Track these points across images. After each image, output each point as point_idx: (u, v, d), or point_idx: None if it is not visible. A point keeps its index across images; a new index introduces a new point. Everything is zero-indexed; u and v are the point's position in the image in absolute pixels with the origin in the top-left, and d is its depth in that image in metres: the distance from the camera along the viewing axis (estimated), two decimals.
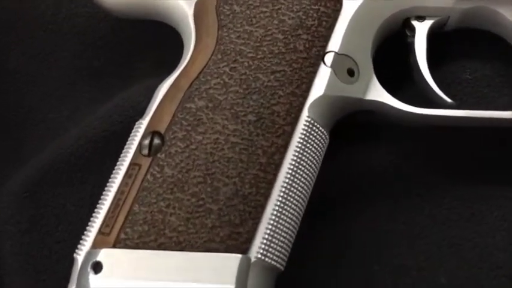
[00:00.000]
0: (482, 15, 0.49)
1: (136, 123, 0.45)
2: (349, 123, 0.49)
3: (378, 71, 0.49)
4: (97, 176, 0.52)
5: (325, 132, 0.45)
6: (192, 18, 0.47)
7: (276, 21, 0.45)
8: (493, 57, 0.52)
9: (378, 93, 0.47)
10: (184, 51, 0.48)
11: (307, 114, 0.43)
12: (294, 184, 0.42)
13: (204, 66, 0.44)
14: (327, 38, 0.45)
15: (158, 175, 0.41)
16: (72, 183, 0.52)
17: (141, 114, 0.47)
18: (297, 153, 0.42)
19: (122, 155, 0.44)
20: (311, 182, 0.44)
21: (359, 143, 0.52)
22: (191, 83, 0.43)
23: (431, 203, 0.50)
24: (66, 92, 0.56)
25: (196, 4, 0.47)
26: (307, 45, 0.44)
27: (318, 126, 0.44)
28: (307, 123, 0.43)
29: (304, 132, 0.43)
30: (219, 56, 0.44)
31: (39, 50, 0.57)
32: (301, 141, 0.43)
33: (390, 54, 0.50)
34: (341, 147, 0.50)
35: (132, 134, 0.45)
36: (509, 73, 0.51)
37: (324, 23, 0.45)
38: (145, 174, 0.41)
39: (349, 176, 0.51)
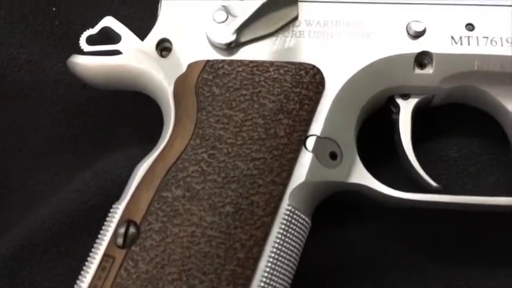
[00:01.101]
0: (468, 93, 0.48)
1: (113, 206, 0.44)
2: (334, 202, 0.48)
3: (362, 148, 0.47)
4: (74, 251, 0.50)
5: (306, 218, 0.43)
6: (172, 95, 0.46)
7: (256, 105, 0.43)
8: (481, 133, 0.50)
9: (362, 176, 0.45)
10: (164, 128, 0.46)
11: (287, 203, 0.42)
12: (273, 277, 0.40)
13: (182, 152, 0.42)
14: (308, 122, 0.43)
15: (132, 270, 0.39)
16: (48, 259, 0.50)
17: (119, 187, 0.46)
18: (276, 245, 0.41)
19: (97, 240, 0.42)
20: (292, 271, 0.42)
21: (344, 222, 0.50)
22: (168, 169, 0.42)
23: (418, 284, 0.49)
24: (45, 160, 0.54)
25: (176, 82, 0.46)
26: (288, 131, 0.43)
27: (299, 214, 0.42)
28: (288, 212, 0.42)
29: (285, 222, 0.41)
30: (198, 141, 0.42)
31: (18, 117, 0.56)
32: (282, 231, 0.41)
33: (375, 130, 0.49)
34: (325, 226, 0.49)
35: (108, 218, 0.43)
36: (497, 151, 0.49)
37: (306, 106, 0.43)
38: (119, 269, 0.39)
39: (333, 256, 0.50)
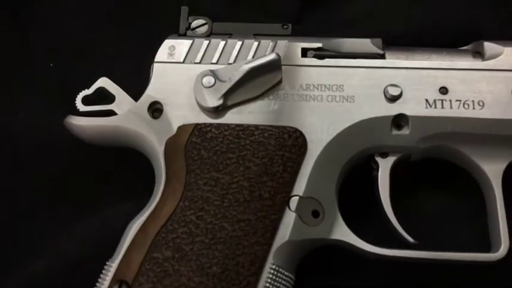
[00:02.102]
0: (444, 152, 0.50)
1: (107, 263, 0.46)
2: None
3: (345, 203, 0.49)
4: None
5: (290, 275, 0.45)
6: (163, 156, 0.48)
7: (242, 168, 0.45)
8: (458, 188, 0.52)
9: (342, 233, 0.47)
10: (156, 186, 0.48)
11: (272, 262, 0.44)
12: None
13: (172, 213, 0.44)
14: (291, 183, 0.45)
15: None
16: None
17: (114, 241, 0.47)
18: None
19: None
20: None
21: (328, 272, 0.52)
22: (159, 230, 0.44)
23: None
24: (41, 212, 0.55)
25: (166, 143, 0.48)
26: (272, 192, 0.45)
27: (283, 271, 0.44)
28: (272, 271, 0.43)
29: (269, 280, 0.43)
30: (187, 203, 0.44)
31: (14, 168, 0.57)
32: None
33: (357, 186, 0.51)
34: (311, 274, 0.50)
35: (101, 275, 0.45)
36: (472, 206, 0.51)
37: (289, 168, 0.45)
38: None
39: None
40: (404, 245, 0.48)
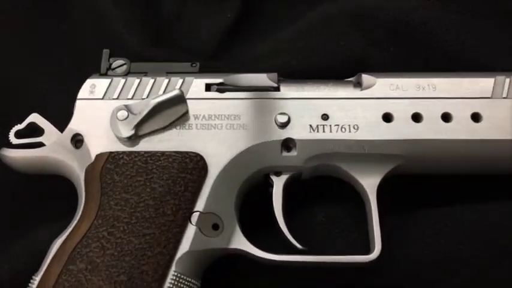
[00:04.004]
0: (329, 169, 0.56)
1: (33, 277, 0.50)
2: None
3: (246, 217, 0.55)
4: None
5: (193, 280, 0.50)
6: (83, 181, 0.53)
7: (148, 189, 0.51)
8: (345, 200, 0.58)
9: (240, 242, 0.52)
10: (77, 208, 0.53)
11: (174, 270, 0.49)
12: None
13: (87, 230, 0.49)
14: (193, 201, 0.51)
15: None
16: None
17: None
18: None
19: None
20: None
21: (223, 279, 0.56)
22: (75, 246, 0.49)
23: None
24: None
25: (86, 170, 0.53)
26: (174, 209, 0.50)
27: (185, 277, 0.50)
28: (174, 277, 0.49)
29: (171, 285, 0.49)
30: (100, 221, 0.50)
31: None
32: None
33: (257, 202, 0.56)
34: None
35: None
36: (357, 214, 0.56)
37: (190, 188, 0.51)
38: None
39: None
40: (295, 251, 0.54)
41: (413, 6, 0.66)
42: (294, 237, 0.55)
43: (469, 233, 0.57)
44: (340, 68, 0.62)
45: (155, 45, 0.67)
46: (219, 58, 0.68)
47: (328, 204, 0.59)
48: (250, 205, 0.57)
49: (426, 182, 0.59)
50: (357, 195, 0.57)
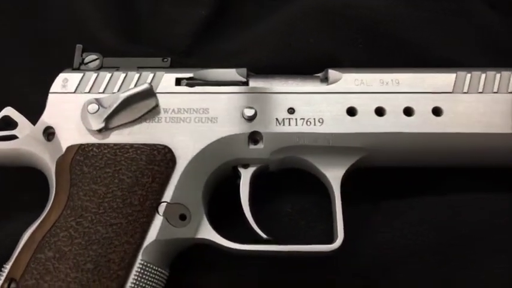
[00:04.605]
0: (295, 162, 0.57)
1: (4, 265, 0.51)
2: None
3: (216, 209, 0.56)
4: None
5: (160, 269, 0.51)
6: (54, 173, 0.54)
7: (116, 180, 0.52)
8: (311, 191, 0.59)
9: (207, 232, 0.53)
10: (48, 199, 0.54)
11: (141, 258, 0.50)
12: None
13: (56, 220, 0.50)
14: (160, 192, 0.52)
15: None
16: None
17: None
18: None
19: None
20: None
21: (193, 269, 0.58)
22: (44, 235, 0.50)
23: None
24: None
25: (57, 162, 0.54)
26: (141, 200, 0.51)
27: (152, 266, 0.51)
28: (141, 266, 0.50)
29: (138, 274, 0.50)
30: (69, 211, 0.51)
31: None
32: (135, 281, 0.49)
33: (227, 194, 0.57)
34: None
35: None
36: (323, 206, 0.58)
37: (158, 179, 0.52)
38: None
39: None
40: (261, 242, 0.55)
41: (381, 3, 0.67)
42: (261, 228, 0.56)
43: (432, 223, 0.58)
44: (309, 64, 0.63)
45: (130, 42, 0.68)
46: (193, 54, 0.69)
47: (295, 196, 0.60)
48: (220, 197, 0.58)
49: (390, 174, 0.60)
50: (323, 187, 0.58)
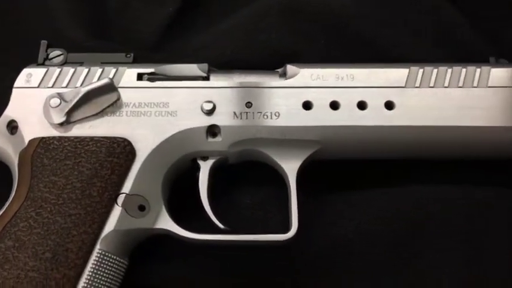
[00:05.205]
0: (253, 154, 0.58)
1: None
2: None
3: (175, 202, 0.57)
4: None
5: (119, 258, 0.53)
6: (17, 166, 0.55)
7: (76, 172, 0.53)
8: (270, 183, 0.60)
9: (165, 223, 0.55)
10: (11, 192, 0.55)
11: (99, 248, 0.52)
12: None
13: (17, 211, 0.52)
14: (119, 183, 0.54)
15: None
16: None
17: None
18: (88, 281, 0.50)
19: None
20: None
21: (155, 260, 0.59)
22: (5, 226, 0.51)
23: None
24: None
25: (19, 155, 0.55)
26: (100, 191, 0.53)
27: (111, 255, 0.52)
28: (99, 255, 0.51)
29: (96, 262, 0.51)
30: (29, 202, 0.52)
31: None
32: (93, 269, 0.51)
33: (188, 187, 0.58)
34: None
35: None
36: (281, 197, 0.59)
37: (117, 171, 0.54)
38: None
39: None
40: (219, 231, 0.56)
41: (343, 1, 0.69)
42: (222, 219, 0.57)
43: (388, 215, 0.60)
44: (271, 59, 0.65)
45: (99, 38, 0.70)
46: (160, 49, 0.70)
47: (255, 188, 0.61)
48: (182, 189, 0.59)
49: (350, 166, 0.61)
50: (281, 179, 0.60)
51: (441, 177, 0.62)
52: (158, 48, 0.70)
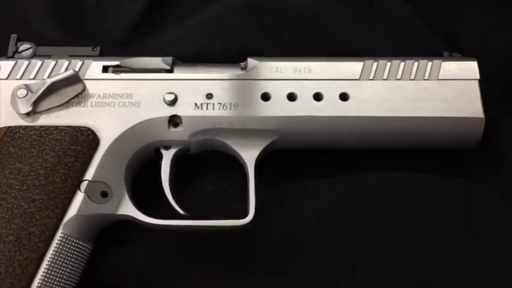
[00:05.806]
0: (214, 144, 0.60)
1: None
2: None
3: (139, 189, 0.59)
4: None
5: (81, 242, 0.55)
6: None
7: (40, 160, 0.55)
8: (230, 170, 0.62)
9: (127, 208, 0.57)
10: None
11: (61, 232, 0.54)
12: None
13: None
14: (82, 170, 0.56)
15: None
16: None
17: None
18: (50, 263, 0.52)
19: None
20: (68, 284, 0.53)
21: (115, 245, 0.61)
22: None
23: None
24: None
25: None
26: (63, 178, 0.55)
27: (73, 239, 0.54)
28: (61, 238, 0.53)
29: (58, 245, 0.53)
30: None
31: None
32: (55, 252, 0.53)
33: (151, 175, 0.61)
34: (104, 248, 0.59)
35: None
36: (242, 185, 0.61)
37: (80, 158, 0.56)
38: None
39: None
40: (179, 217, 0.58)
41: None
42: (184, 207, 0.59)
43: (345, 203, 0.62)
44: (235, 54, 0.66)
45: (71, 33, 0.72)
46: (130, 45, 0.72)
47: (216, 177, 0.63)
48: (146, 178, 0.61)
49: (309, 155, 0.64)
50: (241, 168, 0.62)
51: (398, 166, 0.64)
52: (127, 44, 0.72)
